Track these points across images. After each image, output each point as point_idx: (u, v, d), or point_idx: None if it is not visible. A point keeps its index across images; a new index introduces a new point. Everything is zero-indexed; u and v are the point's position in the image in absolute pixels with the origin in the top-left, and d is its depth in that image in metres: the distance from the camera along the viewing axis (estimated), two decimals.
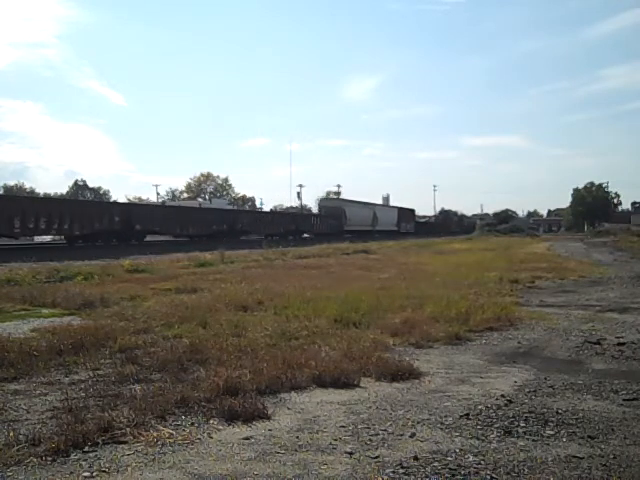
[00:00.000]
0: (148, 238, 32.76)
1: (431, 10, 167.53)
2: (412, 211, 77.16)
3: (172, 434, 3.56)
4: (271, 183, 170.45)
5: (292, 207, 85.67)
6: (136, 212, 31.25)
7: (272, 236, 38.45)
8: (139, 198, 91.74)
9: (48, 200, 34.34)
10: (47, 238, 31.47)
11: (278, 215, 54.37)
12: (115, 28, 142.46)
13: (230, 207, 60.44)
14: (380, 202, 73.42)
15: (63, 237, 28.88)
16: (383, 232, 56.54)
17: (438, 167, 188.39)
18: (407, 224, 70.68)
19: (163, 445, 3.41)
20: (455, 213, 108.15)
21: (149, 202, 67.08)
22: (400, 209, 71.05)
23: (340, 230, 49.57)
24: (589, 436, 3.61)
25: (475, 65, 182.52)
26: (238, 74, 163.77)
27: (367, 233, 51.79)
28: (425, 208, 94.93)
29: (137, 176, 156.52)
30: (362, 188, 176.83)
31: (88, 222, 27.23)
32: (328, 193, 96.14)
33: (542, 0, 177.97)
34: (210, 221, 36.73)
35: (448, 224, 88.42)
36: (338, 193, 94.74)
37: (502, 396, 4.46)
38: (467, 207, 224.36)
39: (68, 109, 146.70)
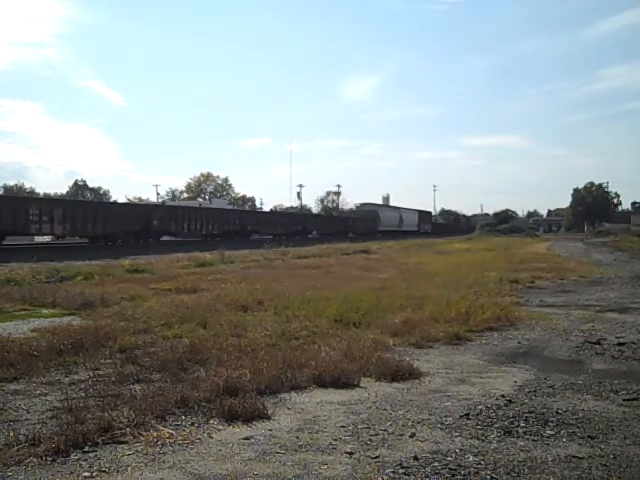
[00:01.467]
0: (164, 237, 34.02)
1: (431, 10, 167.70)
2: (429, 213, 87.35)
3: (172, 434, 3.56)
4: (271, 183, 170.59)
5: (292, 207, 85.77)
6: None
7: (325, 235, 46.11)
8: (139, 198, 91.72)
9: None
10: (47, 238, 31.56)
11: (326, 217, 64.72)
12: (114, 28, 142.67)
13: (268, 210, 69.32)
14: (397, 205, 79.69)
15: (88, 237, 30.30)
16: (407, 232, 63.96)
17: (438, 167, 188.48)
18: (425, 225, 79.15)
19: (163, 445, 3.41)
20: (456, 213, 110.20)
21: (151, 202, 67.56)
22: (420, 212, 79.87)
23: (375, 230, 58.29)
24: (589, 436, 3.61)
25: (475, 65, 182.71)
26: (238, 74, 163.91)
27: (394, 233, 58.90)
28: (425, 208, 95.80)
29: (137, 176, 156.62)
30: (362, 188, 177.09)
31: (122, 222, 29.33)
32: (328, 193, 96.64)
33: (542, 0, 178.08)
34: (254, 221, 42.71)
35: (458, 225, 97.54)
36: (338, 193, 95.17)
37: (502, 396, 4.46)
38: (467, 207, 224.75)
39: (67, 109, 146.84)
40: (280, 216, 53.04)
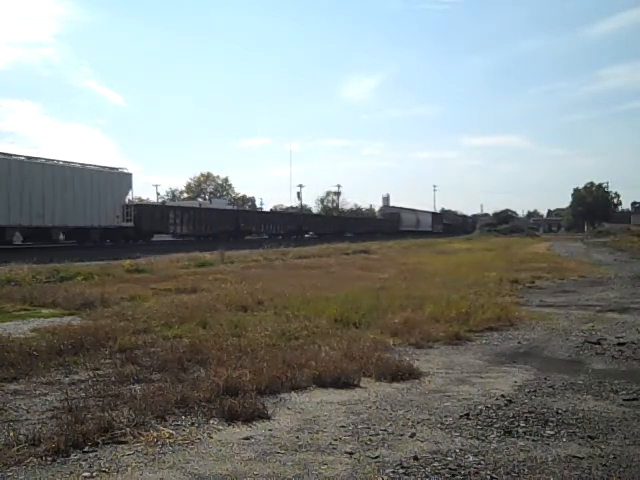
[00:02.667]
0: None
1: (431, 10, 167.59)
2: (441, 215, 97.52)
3: (172, 434, 3.56)
4: (271, 183, 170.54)
5: (292, 207, 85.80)
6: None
7: (358, 234, 52.15)
8: (139, 198, 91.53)
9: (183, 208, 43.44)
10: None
11: (359, 219, 73.68)
12: (114, 28, 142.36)
13: (295, 211, 76.42)
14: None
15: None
16: (423, 232, 70.53)
17: (438, 167, 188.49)
18: (437, 225, 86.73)
19: (163, 445, 3.41)
20: (455, 213, 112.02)
21: (153, 202, 68.92)
22: (433, 214, 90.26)
23: (396, 230, 64.50)
24: (589, 436, 3.61)
25: (475, 65, 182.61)
26: (238, 74, 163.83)
27: (412, 232, 63.56)
28: (424, 208, 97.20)
29: (137, 176, 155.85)
30: (362, 188, 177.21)
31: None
32: (328, 193, 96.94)
33: (542, 0, 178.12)
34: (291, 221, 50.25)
35: (465, 225, 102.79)
36: (338, 193, 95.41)
37: (502, 396, 4.46)
38: (467, 207, 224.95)
39: (67, 109, 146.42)
40: (327, 219, 63.52)
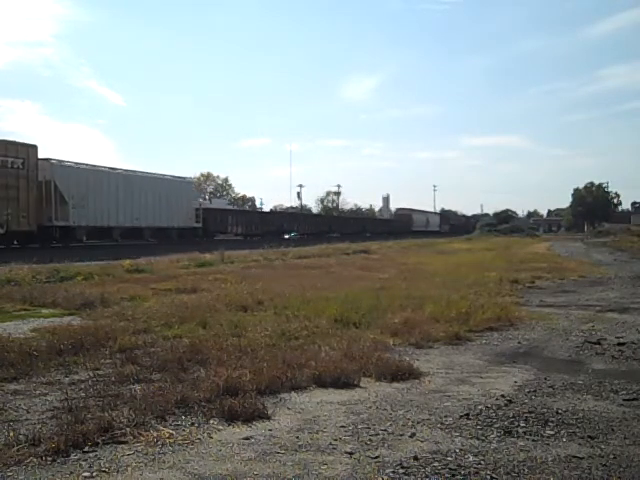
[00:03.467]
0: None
1: (431, 10, 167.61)
2: (447, 216, 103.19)
3: (172, 434, 3.56)
4: (271, 183, 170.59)
5: (292, 207, 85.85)
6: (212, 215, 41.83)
7: (374, 234, 57.97)
8: None
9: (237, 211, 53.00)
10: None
11: (374, 220, 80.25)
12: (113, 27, 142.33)
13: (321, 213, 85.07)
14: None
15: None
16: (432, 232, 76.76)
17: (438, 167, 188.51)
18: (444, 225, 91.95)
19: (163, 445, 3.41)
20: (455, 213, 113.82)
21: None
22: (440, 215, 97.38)
23: (409, 230, 67.98)
24: (589, 436, 3.61)
25: (475, 65, 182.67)
26: (238, 74, 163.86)
27: (423, 232, 69.75)
28: (425, 208, 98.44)
29: None
30: (362, 188, 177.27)
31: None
32: (328, 193, 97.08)
33: (542, 0, 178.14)
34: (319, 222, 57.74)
35: (468, 225, 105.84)
36: (338, 193, 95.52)
37: (502, 396, 4.46)
38: (467, 207, 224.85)
39: (67, 109, 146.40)
40: (351, 220, 69.98)
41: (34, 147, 23.47)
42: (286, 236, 43.87)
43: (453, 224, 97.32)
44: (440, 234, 75.94)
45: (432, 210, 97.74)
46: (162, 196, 31.40)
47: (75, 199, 25.33)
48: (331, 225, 57.73)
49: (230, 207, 61.69)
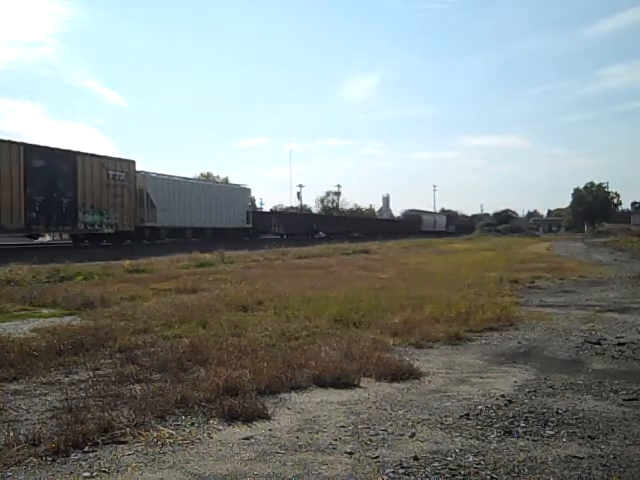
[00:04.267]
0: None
1: (430, 9, 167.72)
2: (453, 216, 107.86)
3: (172, 434, 3.56)
4: (271, 183, 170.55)
5: (292, 207, 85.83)
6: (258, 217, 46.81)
7: (383, 233, 58.33)
8: None
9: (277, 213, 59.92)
10: None
11: (385, 221, 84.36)
12: (113, 27, 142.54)
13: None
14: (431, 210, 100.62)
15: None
16: (439, 231, 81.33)
17: (438, 167, 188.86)
18: (451, 226, 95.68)
19: (163, 445, 3.41)
20: (455, 213, 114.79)
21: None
22: (447, 216, 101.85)
23: (419, 230, 72.66)
24: (589, 436, 3.61)
25: (475, 65, 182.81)
26: (238, 74, 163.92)
27: (431, 232, 74.47)
28: (425, 208, 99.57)
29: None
30: (362, 188, 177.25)
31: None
32: (328, 193, 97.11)
33: None
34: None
35: (472, 225, 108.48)
36: (338, 193, 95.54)
37: (502, 396, 4.46)
38: (467, 207, 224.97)
39: (67, 109, 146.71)
40: (368, 221, 77.13)
41: (133, 162, 28.96)
42: (316, 236, 49.88)
43: (458, 224, 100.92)
44: (447, 234, 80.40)
45: (432, 210, 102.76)
46: (222, 201, 37.31)
47: (160, 204, 30.86)
48: (351, 226, 64.01)
49: (275, 211, 67.52)
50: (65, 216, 24.80)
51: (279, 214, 55.88)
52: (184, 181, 35.13)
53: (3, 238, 25.32)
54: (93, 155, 26.62)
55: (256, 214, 45.00)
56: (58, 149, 24.86)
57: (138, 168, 29.66)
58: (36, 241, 26.98)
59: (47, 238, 31.18)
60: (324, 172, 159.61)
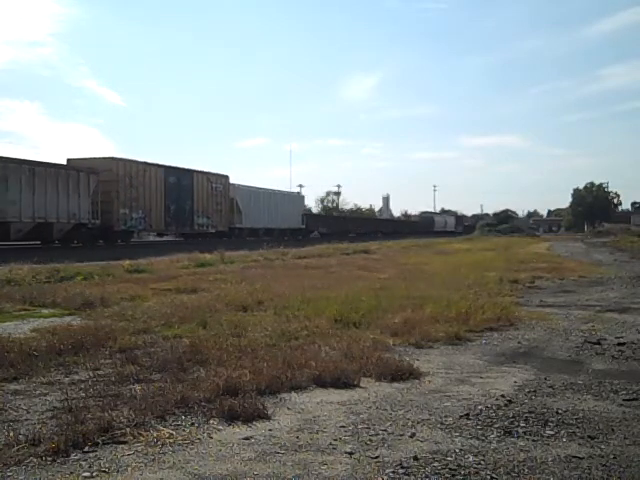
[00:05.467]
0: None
1: (430, 9, 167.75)
2: (461, 217, 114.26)
3: (172, 434, 3.56)
4: (271, 183, 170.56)
5: None
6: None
7: (400, 233, 64.50)
8: None
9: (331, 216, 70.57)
10: None
11: (400, 221, 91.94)
12: (112, 26, 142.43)
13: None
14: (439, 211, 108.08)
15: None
16: (449, 232, 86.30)
17: (438, 167, 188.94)
18: (459, 226, 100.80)
19: (163, 445, 3.40)
20: (455, 213, 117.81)
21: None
22: (456, 217, 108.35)
23: (431, 231, 78.72)
24: (589, 436, 3.61)
25: (475, 64, 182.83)
26: (238, 74, 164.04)
27: (442, 232, 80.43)
28: (424, 209, 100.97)
29: None
30: (362, 188, 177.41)
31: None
32: (328, 193, 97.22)
33: None
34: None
35: (476, 225, 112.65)
36: (338, 193, 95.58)
37: (502, 396, 4.46)
38: (467, 207, 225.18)
39: (66, 108, 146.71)
40: (391, 222, 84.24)
41: (227, 176, 36.98)
42: (350, 235, 54.44)
43: (465, 224, 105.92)
44: (456, 233, 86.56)
45: (433, 210, 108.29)
46: (285, 206, 44.89)
47: (244, 209, 38.43)
48: (374, 226, 70.63)
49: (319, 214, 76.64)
50: (186, 220, 32.47)
51: (323, 217, 65.39)
52: (259, 190, 42.45)
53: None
54: (203, 172, 34.15)
55: (308, 217, 52.79)
56: (183, 168, 32.40)
57: None
58: (161, 238, 34.21)
59: (167, 237, 36.00)
60: (324, 172, 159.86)
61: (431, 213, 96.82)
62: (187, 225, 32.68)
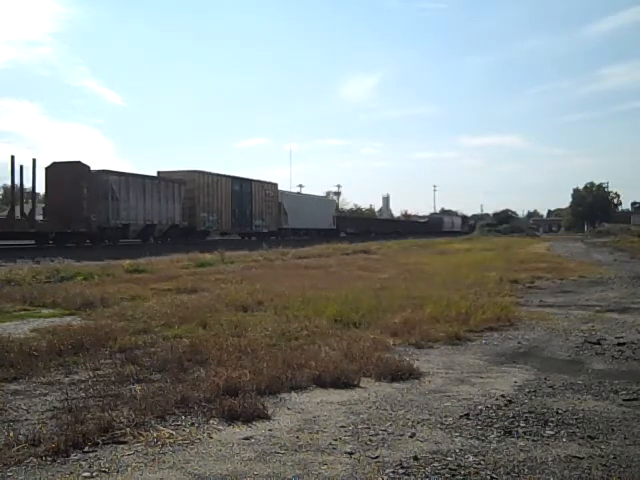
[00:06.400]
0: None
1: (430, 9, 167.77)
2: (467, 218, 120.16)
3: (172, 434, 3.56)
4: None
5: None
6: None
7: (412, 233, 68.14)
8: None
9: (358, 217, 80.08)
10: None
11: (415, 223, 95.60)
12: (112, 26, 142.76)
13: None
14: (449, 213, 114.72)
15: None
16: (456, 232, 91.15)
17: (437, 167, 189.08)
18: (465, 226, 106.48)
19: (163, 445, 3.40)
20: (455, 213, 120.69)
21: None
22: (462, 217, 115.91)
23: (440, 231, 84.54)
24: (589, 436, 3.61)
25: (474, 64, 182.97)
26: (237, 74, 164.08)
27: (449, 232, 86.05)
28: (424, 209, 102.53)
29: None
30: (362, 188, 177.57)
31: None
32: (328, 193, 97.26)
33: None
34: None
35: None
36: (338, 193, 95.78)
37: (502, 396, 4.46)
38: (467, 207, 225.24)
39: (66, 108, 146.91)
40: (406, 223, 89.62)
41: (276, 184, 43.99)
42: (371, 235, 60.34)
43: (471, 224, 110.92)
44: (462, 233, 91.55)
45: (434, 211, 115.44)
46: (320, 209, 51.75)
47: (289, 212, 44.34)
48: (391, 227, 76.42)
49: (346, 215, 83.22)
50: (247, 221, 39.00)
51: (350, 219, 70.99)
52: (301, 196, 52.34)
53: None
54: (259, 181, 41.01)
55: (340, 220, 59.20)
56: (244, 178, 38.95)
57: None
58: (225, 237, 37.30)
59: (229, 236, 40.62)
60: (324, 172, 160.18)
61: (440, 214, 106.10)
62: (247, 226, 39.28)
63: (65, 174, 24.51)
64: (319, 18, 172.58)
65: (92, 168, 26.08)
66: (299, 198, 49.89)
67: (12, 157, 23.04)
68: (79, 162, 25.42)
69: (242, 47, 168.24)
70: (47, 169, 25.02)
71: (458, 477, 3.00)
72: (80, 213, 24.68)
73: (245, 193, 38.38)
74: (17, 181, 23.87)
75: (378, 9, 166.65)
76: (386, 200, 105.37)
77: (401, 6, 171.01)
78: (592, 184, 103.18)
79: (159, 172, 32.24)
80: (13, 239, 23.67)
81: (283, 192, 44.95)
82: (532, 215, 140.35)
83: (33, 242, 23.82)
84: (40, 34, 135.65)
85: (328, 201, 60.85)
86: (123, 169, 32.13)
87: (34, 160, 23.88)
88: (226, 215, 36.31)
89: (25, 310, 8.56)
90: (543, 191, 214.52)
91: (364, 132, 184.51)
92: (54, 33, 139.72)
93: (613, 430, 3.73)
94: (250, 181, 39.37)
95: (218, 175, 35.35)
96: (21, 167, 23.57)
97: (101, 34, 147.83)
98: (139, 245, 27.62)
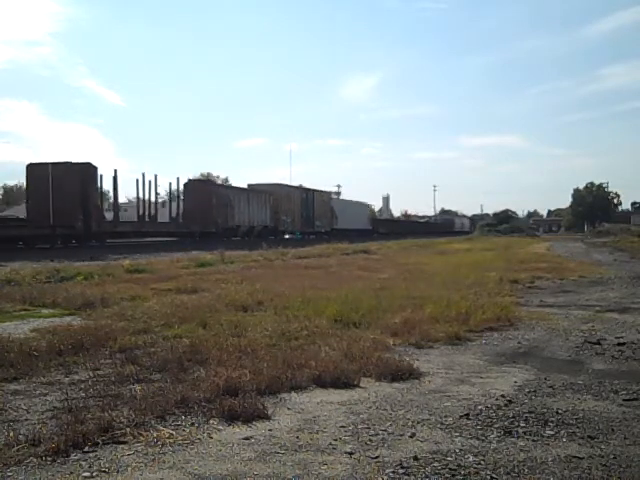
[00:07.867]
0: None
1: (430, 9, 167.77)
2: (474, 218, 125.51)
3: (172, 434, 3.56)
4: None
5: None
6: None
7: (428, 233, 74.90)
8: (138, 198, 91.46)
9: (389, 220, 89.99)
10: None
11: (428, 223, 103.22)
12: (111, 26, 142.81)
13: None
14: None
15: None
16: (464, 232, 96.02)
17: (437, 167, 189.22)
18: (473, 226, 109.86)
19: (163, 445, 3.40)
20: (456, 213, 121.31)
21: None
22: (470, 218, 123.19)
23: (452, 231, 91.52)
24: (589, 436, 3.61)
25: (474, 64, 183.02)
26: (237, 74, 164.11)
27: (460, 232, 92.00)
28: (424, 209, 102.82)
29: (135, 176, 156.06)
30: (362, 188, 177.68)
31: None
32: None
33: None
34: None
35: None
36: (338, 193, 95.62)
37: (502, 396, 4.46)
38: (467, 207, 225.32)
39: (65, 108, 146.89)
40: (420, 224, 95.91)
41: (330, 192, 54.48)
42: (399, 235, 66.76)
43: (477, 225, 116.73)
44: (470, 233, 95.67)
45: (433, 212, 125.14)
46: (359, 212, 60.97)
47: (338, 215, 53.24)
48: (412, 228, 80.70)
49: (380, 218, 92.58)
50: (311, 223, 48.17)
51: (382, 220, 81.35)
52: (347, 201, 61.20)
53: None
54: (318, 190, 50.74)
55: (375, 221, 69.01)
56: (308, 188, 49.18)
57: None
58: (289, 237, 45.69)
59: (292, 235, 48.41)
60: (324, 172, 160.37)
61: (452, 215, 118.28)
62: (310, 227, 48.53)
63: (198, 188, 35.11)
64: (319, 18, 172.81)
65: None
66: (345, 203, 59.13)
67: (143, 174, 30.54)
68: (209, 180, 38.21)
69: (242, 47, 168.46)
70: (185, 185, 34.61)
71: (458, 477, 3.00)
72: (210, 217, 33.98)
73: (309, 200, 47.76)
74: (145, 193, 31.36)
75: (378, 9, 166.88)
76: (386, 200, 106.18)
77: (401, 6, 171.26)
78: (592, 184, 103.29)
79: (249, 185, 42.34)
80: (168, 237, 33.19)
81: (334, 198, 55.88)
82: (532, 215, 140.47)
83: (176, 238, 32.79)
84: (40, 34, 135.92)
85: (366, 205, 69.34)
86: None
87: (155, 176, 32.25)
88: (297, 218, 46.07)
89: (25, 310, 8.56)
90: (543, 191, 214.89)
91: (364, 132, 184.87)
92: (54, 33, 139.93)
93: (613, 430, 3.73)
94: (313, 191, 49.50)
95: (292, 187, 47.15)
96: (149, 182, 31.16)
97: (101, 34, 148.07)
98: (285, 240, 37.25)
